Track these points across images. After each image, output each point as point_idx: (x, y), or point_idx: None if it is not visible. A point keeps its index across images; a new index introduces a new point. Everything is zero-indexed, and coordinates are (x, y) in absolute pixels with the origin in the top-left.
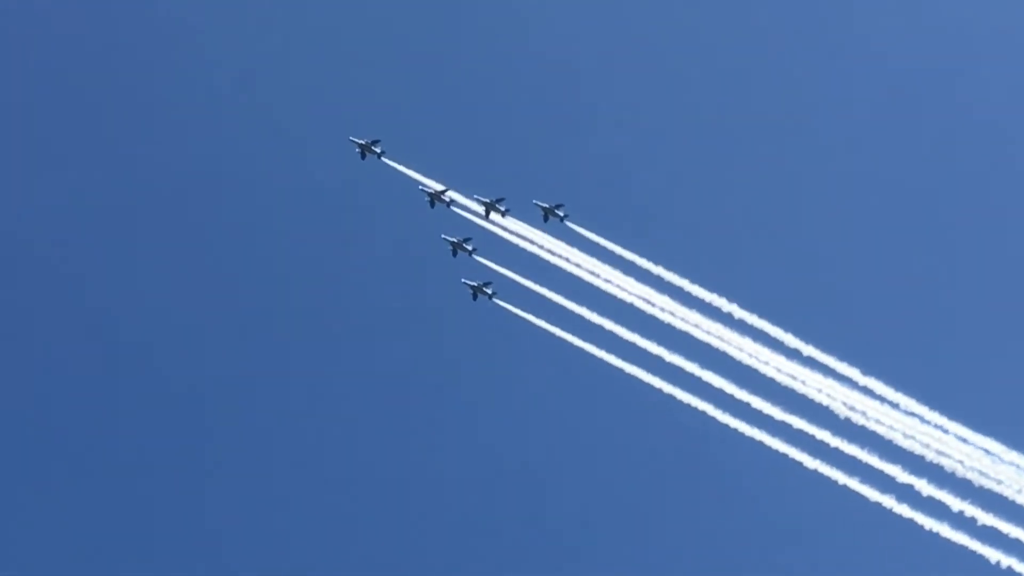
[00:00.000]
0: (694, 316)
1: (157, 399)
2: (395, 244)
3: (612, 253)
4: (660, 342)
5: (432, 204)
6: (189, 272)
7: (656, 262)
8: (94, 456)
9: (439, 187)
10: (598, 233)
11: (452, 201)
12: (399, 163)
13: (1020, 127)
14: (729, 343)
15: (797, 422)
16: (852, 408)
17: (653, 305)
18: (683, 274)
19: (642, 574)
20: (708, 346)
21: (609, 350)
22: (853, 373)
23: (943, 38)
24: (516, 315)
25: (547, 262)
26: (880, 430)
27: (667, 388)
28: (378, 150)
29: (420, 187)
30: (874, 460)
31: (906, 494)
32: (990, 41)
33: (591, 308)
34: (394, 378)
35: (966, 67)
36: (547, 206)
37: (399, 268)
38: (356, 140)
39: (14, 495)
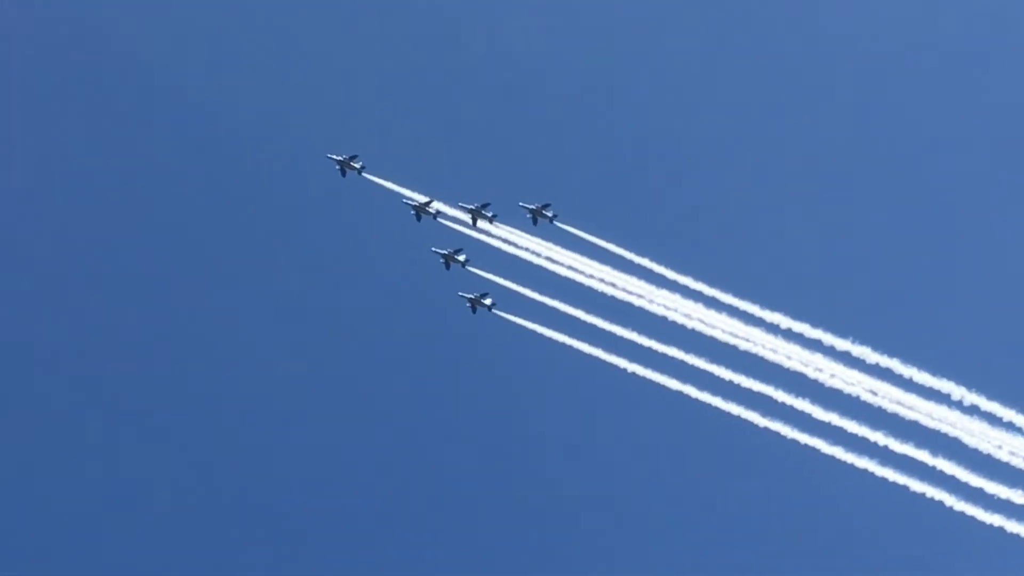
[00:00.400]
0: (743, 326)
1: (157, 405)
2: (387, 261)
3: (606, 251)
4: (695, 349)
5: (418, 217)
6: (177, 291)
7: (652, 258)
8: (93, 456)
9: (423, 199)
10: (590, 232)
11: (438, 212)
12: (379, 177)
13: None
14: (735, 335)
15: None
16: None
17: (656, 303)
18: (683, 271)
19: None
20: (743, 350)
21: (611, 351)
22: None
23: (942, 32)
24: (520, 325)
25: (542, 267)
26: None
27: (678, 387)
28: (357, 165)
29: (404, 200)
30: None
31: None
32: (989, 38)
33: (593, 312)
34: (403, 395)
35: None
36: (534, 208)
37: (394, 285)
38: (334, 157)
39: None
